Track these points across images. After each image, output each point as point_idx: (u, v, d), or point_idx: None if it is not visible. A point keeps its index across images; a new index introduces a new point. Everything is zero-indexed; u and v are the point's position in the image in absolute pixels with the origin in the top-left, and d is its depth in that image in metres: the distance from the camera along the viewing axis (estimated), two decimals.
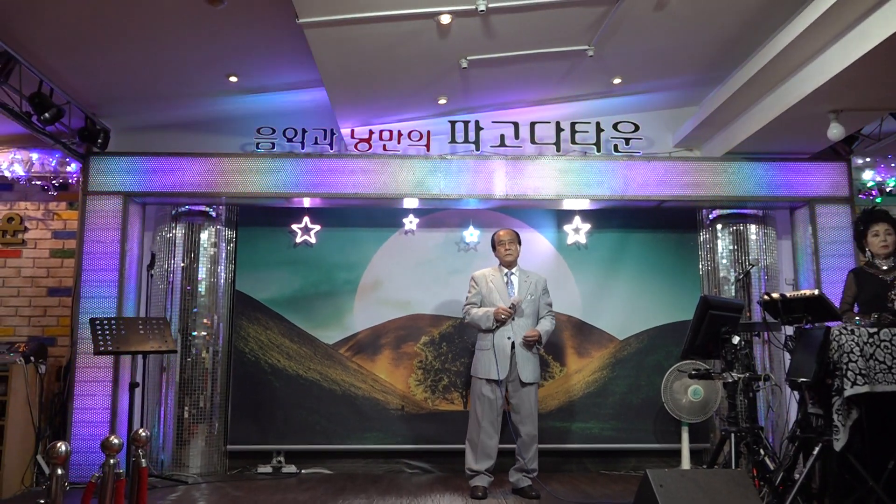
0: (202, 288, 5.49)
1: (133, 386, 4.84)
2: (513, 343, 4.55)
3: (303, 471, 5.48)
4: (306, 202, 5.57)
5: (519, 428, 4.52)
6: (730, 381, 3.82)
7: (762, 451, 3.68)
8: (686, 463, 5.13)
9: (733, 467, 3.58)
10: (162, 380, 5.41)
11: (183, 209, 5.57)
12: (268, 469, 5.46)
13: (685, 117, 5.79)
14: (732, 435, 3.72)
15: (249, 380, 5.56)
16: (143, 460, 3.36)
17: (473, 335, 4.85)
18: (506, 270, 4.76)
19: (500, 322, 4.53)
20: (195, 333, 5.44)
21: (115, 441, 3.04)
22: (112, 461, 2.98)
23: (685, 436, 5.17)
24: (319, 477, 5.36)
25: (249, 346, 5.61)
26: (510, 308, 4.54)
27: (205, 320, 5.47)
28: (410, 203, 5.59)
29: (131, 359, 5.27)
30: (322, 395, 5.55)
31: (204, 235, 5.56)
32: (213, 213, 5.60)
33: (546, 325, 4.69)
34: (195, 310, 5.45)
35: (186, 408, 5.34)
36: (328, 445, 5.51)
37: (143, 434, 3.39)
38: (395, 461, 5.59)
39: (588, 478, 5.33)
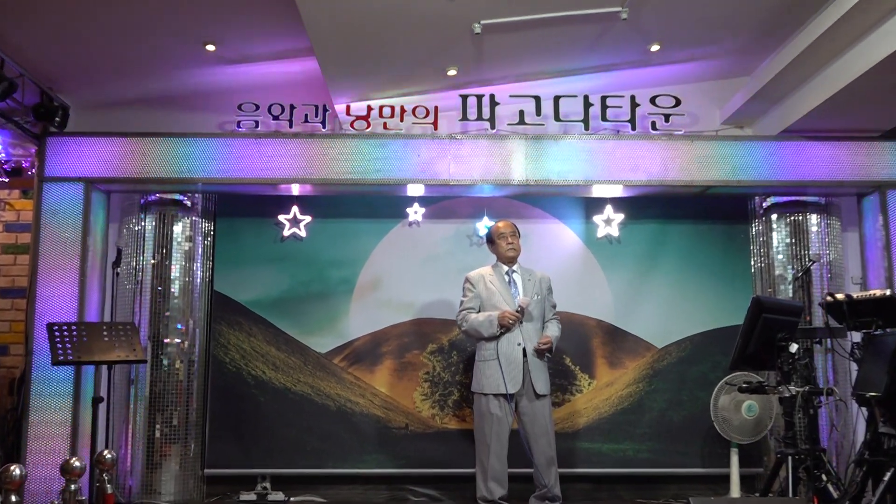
0: (175, 288, 5.53)
1: (97, 401, 4.83)
2: (524, 350, 4.57)
3: (292, 498, 5.48)
4: (295, 189, 5.60)
5: (534, 448, 4.54)
6: (787, 395, 3.84)
7: (824, 477, 3.68)
8: (735, 490, 5.13)
9: (790, 495, 3.66)
10: (130, 394, 5.45)
11: (153, 198, 5.60)
12: (251, 496, 5.47)
13: (734, 90, 5.78)
14: (790, 458, 3.76)
15: (230, 394, 5.59)
16: (108, 486, 3.38)
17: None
18: (505, 269, 4.80)
19: (504, 328, 4.55)
20: (167, 341, 5.47)
21: (77, 464, 3.07)
22: (73, 487, 3.02)
23: (734, 459, 5.16)
24: None
25: (230, 356, 5.64)
26: (517, 311, 4.56)
27: (179, 326, 5.51)
28: (415, 190, 5.61)
29: (95, 370, 5.31)
30: (314, 412, 5.58)
31: (177, 228, 5.58)
32: (188, 203, 5.62)
33: (555, 331, 4.74)
34: (168, 314, 5.49)
35: (158, 426, 5.38)
36: (321, 469, 5.53)
37: (109, 456, 3.42)
38: (399, 487, 5.60)
39: None
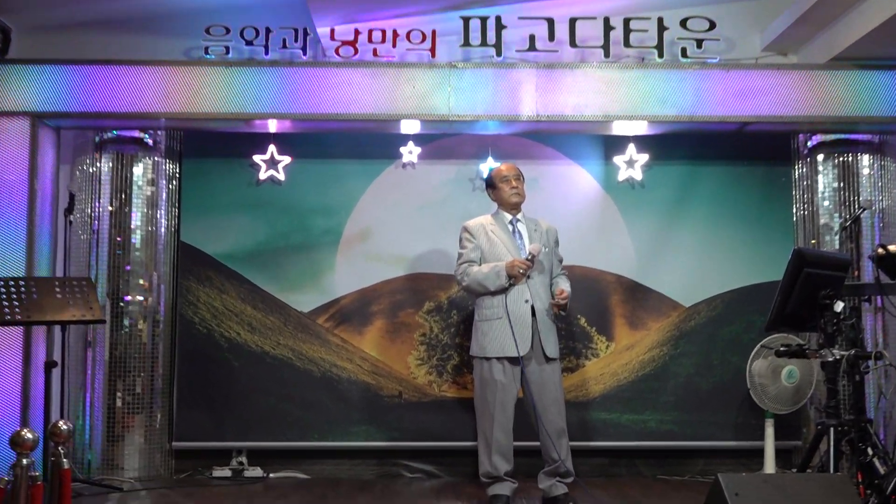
0: (137, 239, 5.51)
1: (50, 366, 4.88)
2: (533, 308, 4.57)
3: (271, 475, 5.55)
4: (272, 126, 5.55)
5: (543, 418, 4.55)
6: (830, 359, 3.82)
7: (870, 451, 3.70)
8: (770, 465, 5.17)
9: (832, 471, 3.60)
10: (87, 358, 5.46)
11: (110, 135, 5.57)
12: (226, 472, 5.52)
13: (777, 12, 5.69)
14: (832, 429, 3.72)
15: (200, 358, 5.61)
16: (64, 460, 3.40)
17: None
18: (508, 217, 4.78)
19: (514, 279, 4.53)
20: (129, 298, 5.47)
21: (29, 436, 3.08)
22: (25, 461, 3.03)
23: (769, 430, 5.19)
24: (292, 483, 5.43)
25: (200, 315, 5.64)
26: (528, 259, 4.54)
27: (141, 281, 5.50)
28: (410, 127, 5.56)
29: (46, 331, 5.32)
30: (295, 378, 5.61)
31: (138, 170, 5.54)
32: (150, 141, 5.58)
33: (566, 287, 4.75)
34: (128, 267, 5.47)
35: (119, 394, 5.40)
36: (303, 443, 5.58)
37: (65, 427, 3.43)
38: (391, 463, 5.66)
39: (642, 484, 5.38)
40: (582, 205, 5.76)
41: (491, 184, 4.86)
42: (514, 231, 4.74)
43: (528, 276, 4.58)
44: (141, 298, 5.49)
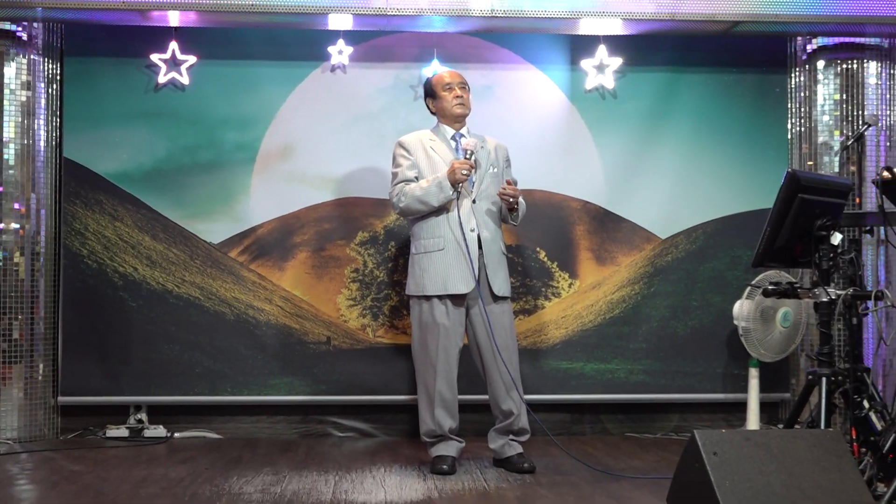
0: (10, 154, 5.42)
1: None
2: (479, 239, 4.58)
3: (176, 434, 5.55)
4: (173, 18, 5.41)
5: (491, 368, 4.58)
6: (824, 299, 3.83)
7: (866, 404, 3.75)
8: (754, 421, 5.22)
9: (822, 426, 3.62)
10: None
11: None
12: (122, 432, 5.50)
13: None
14: (824, 379, 3.75)
15: (90, 298, 5.57)
16: None
17: None
18: (451, 132, 4.77)
19: (457, 184, 4.50)
20: (2, 226, 5.41)
21: None
22: None
23: (754, 382, 5.23)
24: (202, 443, 5.44)
25: (89, 246, 5.58)
26: (467, 157, 4.54)
27: (16, 205, 5.43)
28: (340, 22, 5.47)
29: None
30: (204, 322, 5.60)
31: (9, 71, 5.45)
32: (24, 36, 5.48)
33: (522, 201, 4.75)
34: (0, 189, 5.38)
35: None
36: (214, 397, 5.59)
37: None
38: (317, 419, 5.70)
39: (608, 443, 5.43)
40: (543, 118, 5.75)
41: (431, 92, 4.82)
42: (457, 147, 4.71)
43: (473, 200, 4.58)
44: (16, 226, 5.43)
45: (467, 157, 4.53)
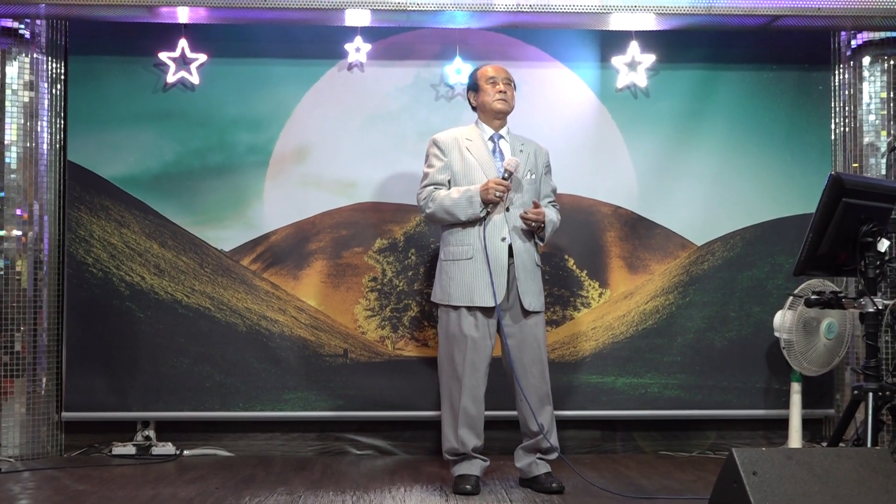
0: (11, 157, 5.44)
1: None
2: (510, 248, 4.55)
3: (185, 452, 5.55)
4: (183, 15, 5.40)
5: (522, 383, 4.55)
6: (871, 310, 3.85)
7: None
8: (796, 439, 5.23)
9: (869, 444, 3.65)
10: None
11: None
12: (129, 449, 5.50)
13: None
14: (871, 394, 3.78)
15: (96, 308, 5.56)
16: None
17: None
18: (490, 132, 4.74)
19: (489, 203, 4.49)
20: (3, 233, 5.43)
21: None
22: None
23: (796, 397, 5.24)
24: (212, 461, 5.44)
25: (94, 254, 5.57)
26: (505, 178, 4.50)
27: (18, 211, 5.43)
28: (357, 18, 5.43)
29: None
30: (215, 334, 5.59)
31: (12, 70, 5.48)
32: (27, 34, 5.50)
33: (552, 215, 4.73)
34: (1, 194, 5.42)
35: None
36: (225, 413, 5.58)
37: None
38: (334, 437, 5.69)
39: (640, 461, 5.41)
40: (571, 118, 5.73)
41: (473, 85, 4.81)
42: (496, 150, 4.69)
43: (507, 208, 4.54)
44: (18, 233, 5.43)
45: (505, 177, 4.50)
